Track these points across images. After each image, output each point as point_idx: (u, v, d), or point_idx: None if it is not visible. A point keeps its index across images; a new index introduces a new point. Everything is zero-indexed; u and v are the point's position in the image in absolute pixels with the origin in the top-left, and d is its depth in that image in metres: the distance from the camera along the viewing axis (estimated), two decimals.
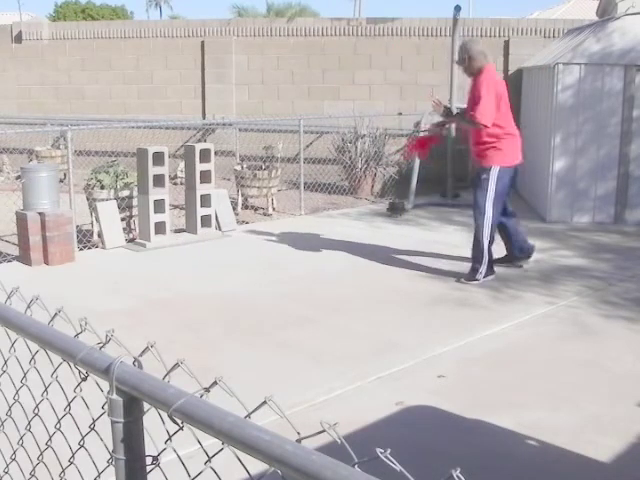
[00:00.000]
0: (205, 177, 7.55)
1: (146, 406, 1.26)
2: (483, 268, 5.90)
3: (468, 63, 5.80)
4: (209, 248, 7.26)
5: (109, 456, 1.32)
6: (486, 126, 5.68)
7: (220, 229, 7.86)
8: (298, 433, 1.05)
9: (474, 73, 5.81)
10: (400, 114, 11.11)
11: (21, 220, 6.53)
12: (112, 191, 7.74)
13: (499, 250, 6.28)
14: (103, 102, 13.48)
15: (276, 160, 11.12)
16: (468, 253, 6.08)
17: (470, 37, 6.53)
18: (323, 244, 7.28)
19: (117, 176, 7.91)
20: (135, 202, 7.63)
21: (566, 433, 3.39)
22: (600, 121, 8.31)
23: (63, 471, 1.62)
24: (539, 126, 9.37)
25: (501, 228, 6.20)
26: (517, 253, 6.34)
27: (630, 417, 3.59)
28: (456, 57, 9.34)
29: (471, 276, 5.93)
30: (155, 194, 7.16)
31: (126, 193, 7.76)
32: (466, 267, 6.06)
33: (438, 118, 6.94)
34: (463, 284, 5.87)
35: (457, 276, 6.03)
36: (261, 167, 10.13)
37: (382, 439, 3.18)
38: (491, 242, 5.91)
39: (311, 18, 16.13)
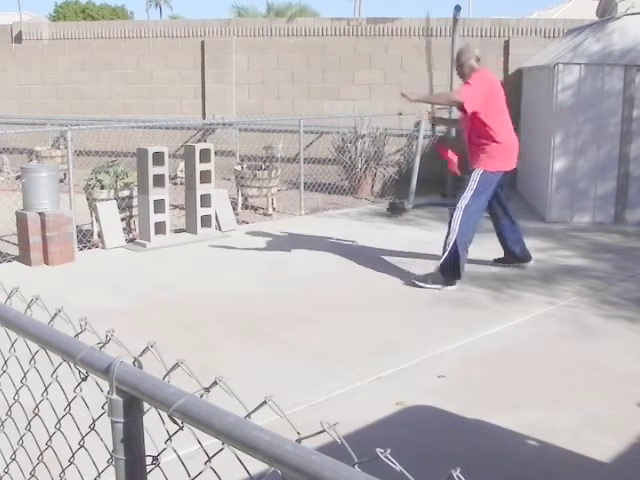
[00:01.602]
0: (205, 177, 7.55)
1: (146, 406, 1.26)
2: (439, 265, 5.74)
3: (459, 70, 5.86)
4: (209, 248, 7.26)
5: (109, 456, 1.32)
6: (464, 107, 5.54)
7: (220, 229, 7.86)
8: (298, 433, 1.05)
9: (465, 78, 5.78)
10: (400, 114, 11.10)
11: (21, 220, 6.53)
12: (112, 191, 7.74)
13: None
14: (103, 102, 13.48)
15: (276, 160, 11.12)
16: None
17: (466, 42, 6.43)
18: (323, 244, 7.28)
19: (117, 176, 7.91)
20: (135, 202, 7.63)
21: (566, 433, 3.39)
22: (600, 121, 8.31)
23: (63, 471, 1.62)
24: (539, 126, 9.37)
25: (503, 236, 6.20)
26: (518, 253, 6.29)
27: (630, 417, 3.59)
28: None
29: (424, 277, 5.85)
30: (155, 194, 7.16)
31: (126, 193, 7.76)
32: (466, 267, 6.06)
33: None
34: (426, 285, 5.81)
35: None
36: (261, 167, 10.13)
37: (382, 439, 3.17)
38: (460, 244, 5.67)
39: (311, 18, 16.14)
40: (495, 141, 5.71)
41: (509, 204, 6.18)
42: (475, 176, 5.74)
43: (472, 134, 5.82)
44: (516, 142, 5.94)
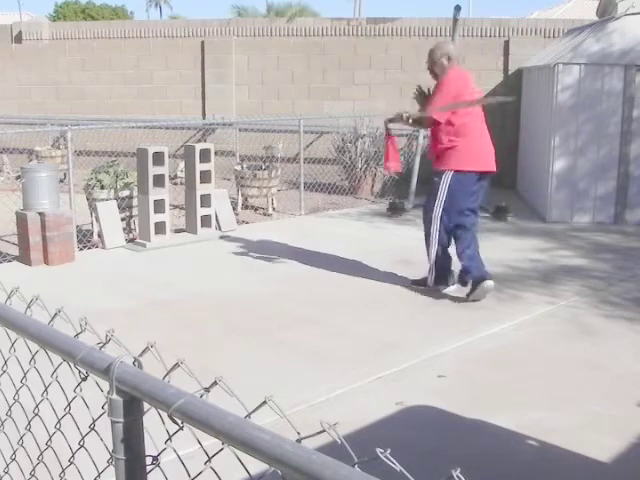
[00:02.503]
0: (205, 177, 7.55)
1: (146, 406, 1.26)
2: (431, 277, 5.61)
3: (431, 70, 5.58)
4: (209, 248, 7.26)
5: (109, 456, 1.32)
6: (437, 121, 5.34)
7: (220, 229, 7.86)
8: (298, 433, 1.05)
9: (437, 78, 5.57)
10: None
11: (21, 220, 6.53)
12: (112, 191, 7.74)
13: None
14: (103, 102, 13.48)
15: (276, 160, 11.12)
16: None
17: (438, 41, 6.06)
18: (323, 244, 7.28)
19: (117, 176, 7.91)
20: (135, 202, 7.63)
21: (566, 433, 3.39)
22: (600, 121, 8.32)
23: (63, 471, 1.62)
24: (539, 126, 9.37)
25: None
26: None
27: (630, 417, 3.59)
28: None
29: (420, 281, 5.76)
30: (155, 194, 7.16)
31: (126, 193, 7.76)
32: None
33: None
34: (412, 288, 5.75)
35: (458, 275, 5.90)
36: (261, 167, 10.13)
37: (382, 439, 3.17)
38: (441, 251, 5.52)
39: (311, 18, 16.13)
40: (466, 139, 5.33)
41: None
42: (445, 179, 5.38)
43: (439, 134, 5.44)
44: (489, 143, 5.47)
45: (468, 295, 5.45)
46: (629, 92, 8.22)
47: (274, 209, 9.94)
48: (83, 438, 1.52)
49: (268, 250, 7.09)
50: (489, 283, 5.38)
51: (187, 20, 21.05)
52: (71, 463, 1.58)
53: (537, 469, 3.13)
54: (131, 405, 1.25)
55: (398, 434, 3.37)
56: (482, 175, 5.44)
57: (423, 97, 5.82)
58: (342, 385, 3.92)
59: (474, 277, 5.39)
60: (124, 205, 7.67)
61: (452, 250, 5.60)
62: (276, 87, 12.60)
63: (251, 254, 6.98)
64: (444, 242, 5.53)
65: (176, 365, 1.25)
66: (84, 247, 7.27)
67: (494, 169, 5.50)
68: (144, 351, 1.31)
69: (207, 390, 1.17)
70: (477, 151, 5.39)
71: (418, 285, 5.76)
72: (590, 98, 8.27)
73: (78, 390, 1.50)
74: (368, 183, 11.04)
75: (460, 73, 5.53)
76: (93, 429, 1.49)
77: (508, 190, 10.36)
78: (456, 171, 5.35)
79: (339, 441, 0.97)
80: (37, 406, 1.72)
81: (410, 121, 5.78)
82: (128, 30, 13.38)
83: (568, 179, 8.41)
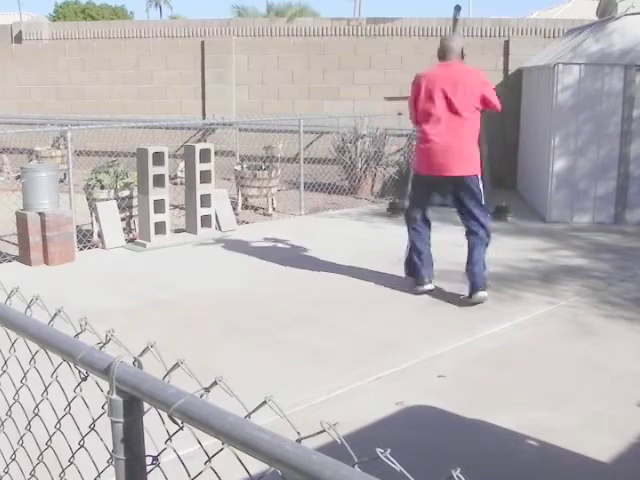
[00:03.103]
0: (205, 177, 7.55)
1: (146, 406, 1.26)
2: (405, 271, 5.79)
3: None
4: (209, 248, 7.26)
5: (109, 456, 1.32)
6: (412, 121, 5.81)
7: (220, 229, 7.86)
8: (298, 433, 1.05)
9: None
10: (400, 114, 11.09)
11: (21, 220, 6.53)
12: (112, 191, 7.74)
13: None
14: (103, 102, 13.48)
15: (276, 160, 11.12)
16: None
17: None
18: (323, 244, 7.28)
19: (117, 176, 7.91)
20: (135, 202, 7.63)
21: (566, 433, 3.39)
22: (600, 121, 8.31)
23: (63, 471, 1.62)
24: (539, 126, 9.37)
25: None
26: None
27: (630, 417, 3.59)
28: None
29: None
30: (155, 194, 7.16)
31: (126, 193, 7.76)
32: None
33: None
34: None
35: (458, 275, 5.90)
36: (261, 167, 10.13)
37: (382, 439, 3.17)
38: (412, 246, 5.68)
39: (311, 18, 16.12)
40: (418, 141, 5.58)
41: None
42: (410, 179, 5.83)
43: None
44: (441, 143, 5.30)
45: (466, 298, 5.46)
46: (629, 92, 8.22)
47: (274, 209, 9.94)
48: (83, 438, 1.52)
49: (268, 250, 7.09)
50: (481, 295, 5.34)
51: (187, 20, 21.05)
52: (71, 463, 1.58)
53: (537, 469, 3.13)
54: (131, 405, 1.25)
55: (398, 434, 3.37)
56: (448, 179, 5.36)
57: None
58: (342, 385, 3.92)
59: (471, 283, 5.41)
60: (124, 205, 7.67)
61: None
62: (276, 87, 12.60)
63: (251, 254, 6.98)
64: (413, 237, 5.73)
65: (176, 365, 1.25)
66: (84, 247, 7.27)
67: (443, 173, 5.34)
68: (144, 351, 1.31)
69: (207, 390, 1.17)
70: (424, 154, 5.43)
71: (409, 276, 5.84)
72: (590, 98, 8.27)
73: (78, 390, 1.50)
74: (368, 183, 11.04)
75: (418, 76, 5.68)
76: (93, 429, 1.49)
77: (508, 190, 10.37)
78: (415, 172, 5.69)
79: (339, 441, 0.97)
80: (37, 406, 1.72)
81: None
82: (128, 30, 13.38)
83: (568, 179, 8.41)
